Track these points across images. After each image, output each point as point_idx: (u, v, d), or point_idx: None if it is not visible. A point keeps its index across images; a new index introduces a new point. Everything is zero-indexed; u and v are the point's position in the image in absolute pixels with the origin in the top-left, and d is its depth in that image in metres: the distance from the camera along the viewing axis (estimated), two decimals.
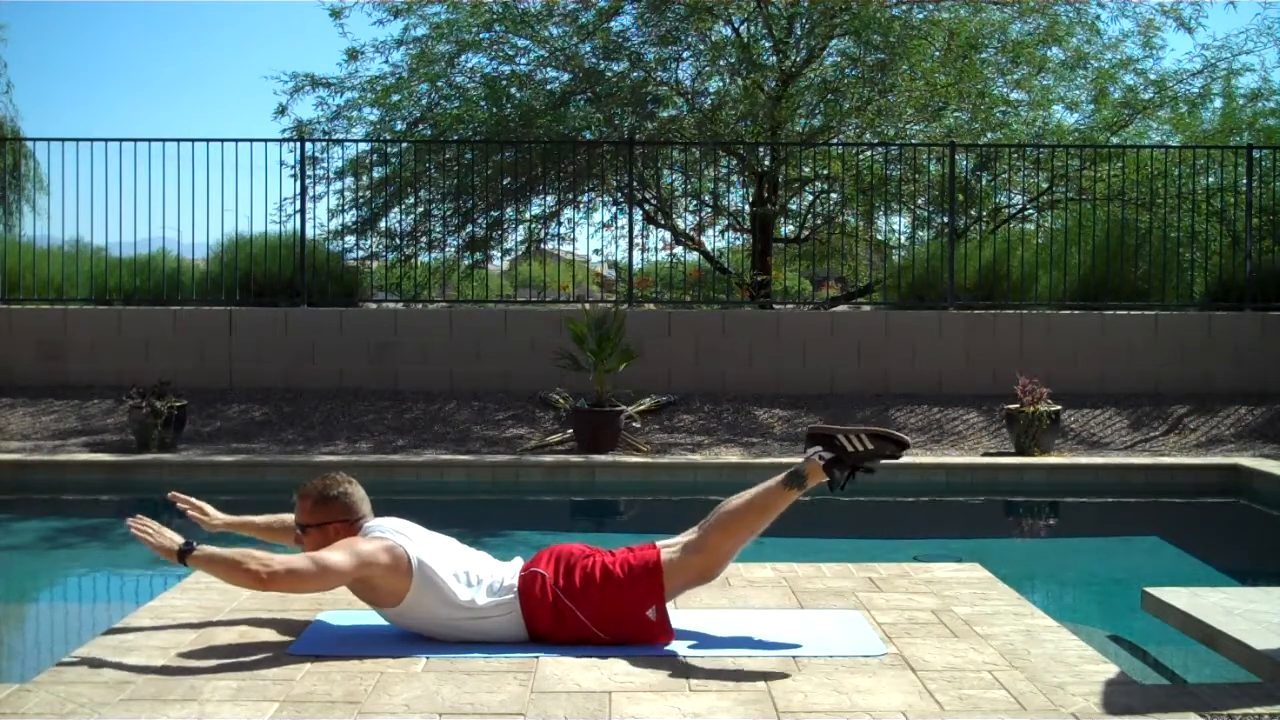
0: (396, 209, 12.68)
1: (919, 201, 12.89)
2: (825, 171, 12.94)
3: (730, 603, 4.12)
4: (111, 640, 3.60)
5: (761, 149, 12.62)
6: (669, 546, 3.64)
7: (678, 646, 3.54)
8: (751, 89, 12.32)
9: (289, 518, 3.86)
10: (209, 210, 18.35)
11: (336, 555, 3.46)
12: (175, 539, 3.51)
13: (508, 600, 3.56)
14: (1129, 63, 13.60)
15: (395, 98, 13.02)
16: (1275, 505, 7.36)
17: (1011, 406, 8.58)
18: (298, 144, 11.05)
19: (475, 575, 3.60)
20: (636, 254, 11.29)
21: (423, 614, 3.54)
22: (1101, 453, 8.72)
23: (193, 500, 3.73)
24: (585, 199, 13.42)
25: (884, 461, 3.59)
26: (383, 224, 12.83)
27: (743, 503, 3.62)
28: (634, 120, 12.52)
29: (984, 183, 12.74)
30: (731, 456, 8.23)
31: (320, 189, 12.33)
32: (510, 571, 3.65)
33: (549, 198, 12.83)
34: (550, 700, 3.08)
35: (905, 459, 8.58)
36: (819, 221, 13.88)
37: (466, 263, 13.17)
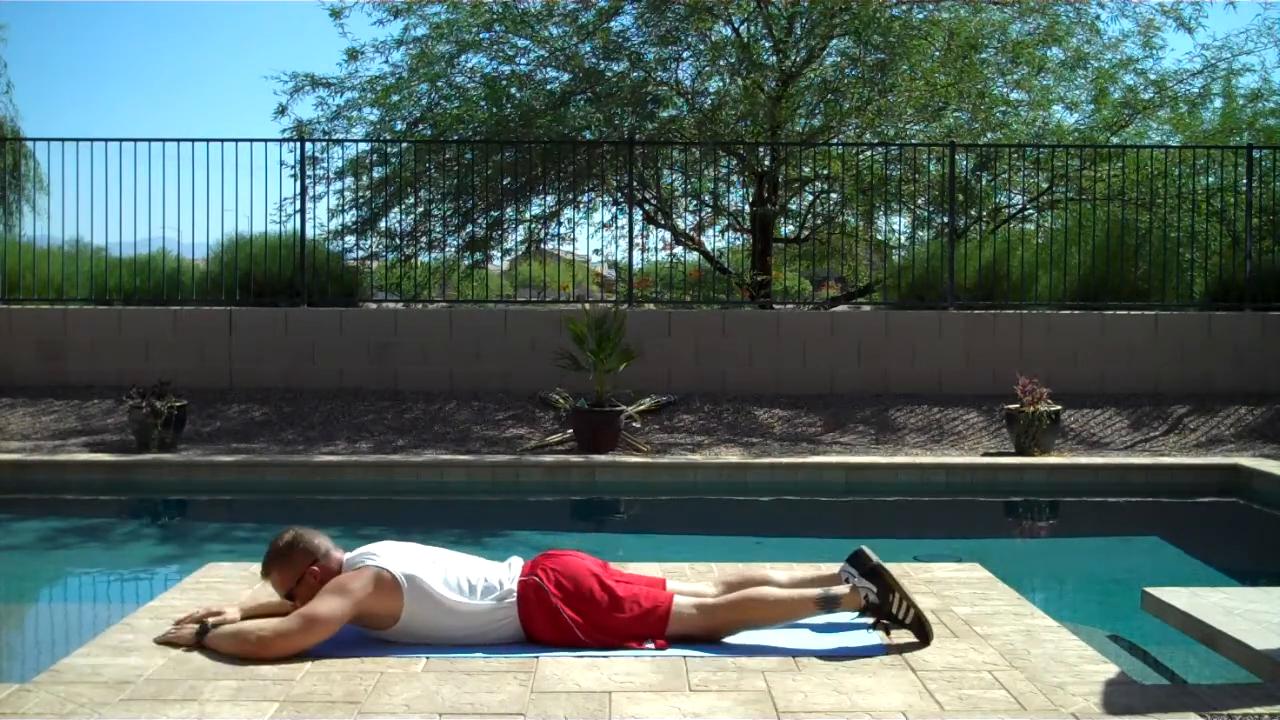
0: (396, 209, 12.68)
1: (919, 201, 12.88)
2: (825, 171, 12.94)
3: None
4: (111, 640, 3.60)
5: (761, 149, 12.62)
6: (682, 594, 3.68)
7: (677, 647, 3.54)
8: (751, 89, 12.32)
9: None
10: (209, 210, 18.38)
11: (325, 604, 3.46)
12: (193, 629, 3.56)
13: (507, 604, 3.58)
14: (1129, 63, 13.59)
15: (395, 98, 13.02)
16: (1275, 505, 7.36)
17: (1011, 406, 8.58)
18: (298, 144, 11.04)
19: (468, 581, 3.63)
20: (636, 254, 11.30)
21: (420, 627, 3.56)
22: (1101, 453, 8.72)
23: (209, 609, 3.73)
24: (585, 199, 13.41)
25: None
26: (383, 224, 12.83)
27: (771, 599, 3.67)
28: (634, 120, 12.52)
29: (984, 183, 12.73)
30: (731, 456, 8.23)
31: (320, 189, 12.34)
32: (509, 575, 3.67)
33: (549, 198, 12.83)
34: (550, 700, 3.08)
35: (905, 459, 8.60)
36: (819, 221, 13.87)
37: (466, 263, 13.17)
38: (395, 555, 3.64)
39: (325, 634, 3.46)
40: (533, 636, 3.59)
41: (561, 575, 3.63)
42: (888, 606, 3.63)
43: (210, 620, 3.57)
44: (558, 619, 3.56)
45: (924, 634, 3.63)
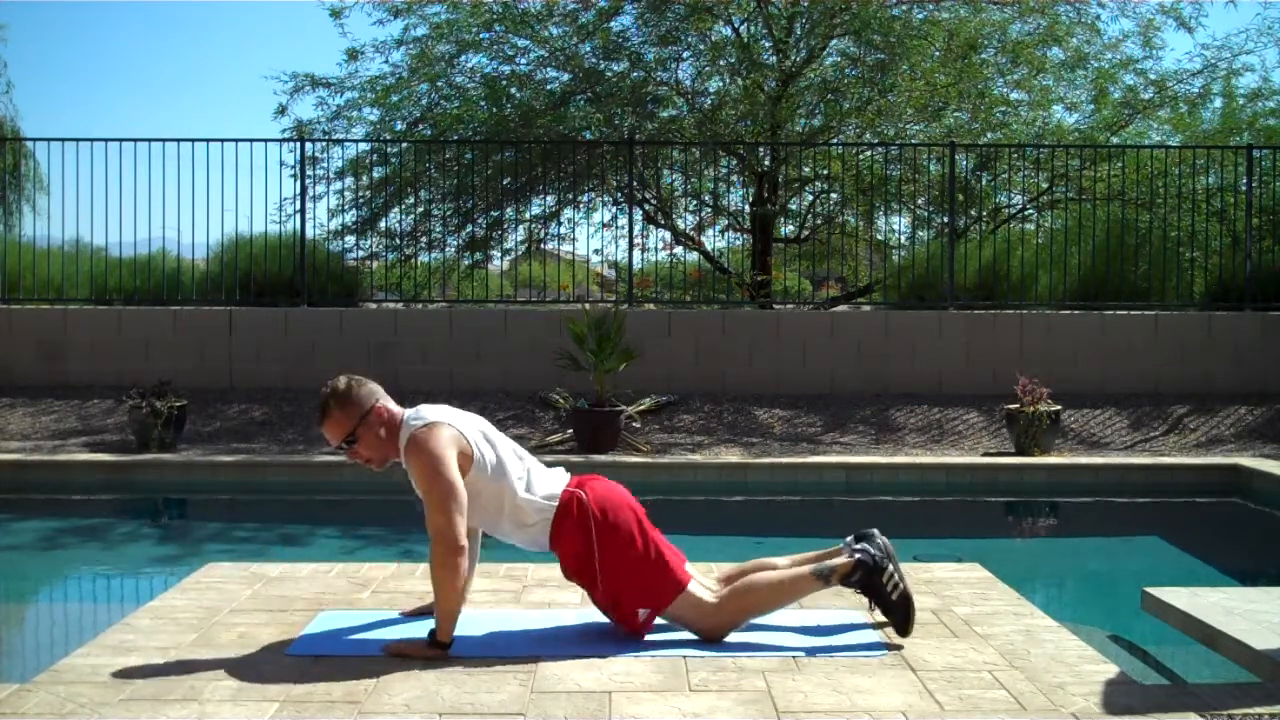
0: (396, 209, 12.68)
1: (919, 201, 12.88)
2: (825, 171, 12.93)
3: None
4: (111, 640, 3.60)
5: (761, 149, 12.62)
6: (696, 582, 3.64)
7: (678, 647, 3.54)
8: (751, 89, 12.31)
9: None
10: (209, 210, 18.40)
11: (437, 471, 3.38)
12: (421, 640, 3.45)
13: (548, 508, 3.58)
14: (1129, 63, 13.59)
15: (395, 98, 13.01)
16: (1275, 505, 7.36)
17: (1011, 406, 8.58)
18: (298, 144, 11.04)
19: (528, 472, 3.63)
20: (636, 254, 11.30)
21: (474, 494, 3.53)
22: (1101, 453, 8.72)
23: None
24: (585, 199, 13.41)
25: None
26: (383, 224, 12.82)
27: (768, 581, 3.64)
28: (634, 120, 12.52)
29: (984, 183, 12.73)
30: (731, 456, 8.23)
31: (320, 189, 12.33)
32: (557, 481, 3.66)
33: (549, 198, 12.83)
34: (550, 700, 3.08)
35: (905, 459, 8.60)
36: (819, 221, 13.87)
37: (466, 263, 13.16)
38: (465, 421, 3.59)
39: (461, 491, 3.39)
40: (553, 548, 3.59)
41: (606, 502, 3.60)
42: (880, 575, 3.57)
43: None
44: (586, 541, 3.54)
45: (905, 618, 3.56)
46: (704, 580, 3.73)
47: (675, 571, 3.59)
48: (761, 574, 3.68)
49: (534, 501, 3.59)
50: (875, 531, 3.71)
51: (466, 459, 3.52)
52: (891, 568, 3.60)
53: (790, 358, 10.09)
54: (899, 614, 3.58)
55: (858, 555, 3.62)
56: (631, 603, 3.57)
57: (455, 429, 3.52)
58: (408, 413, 3.61)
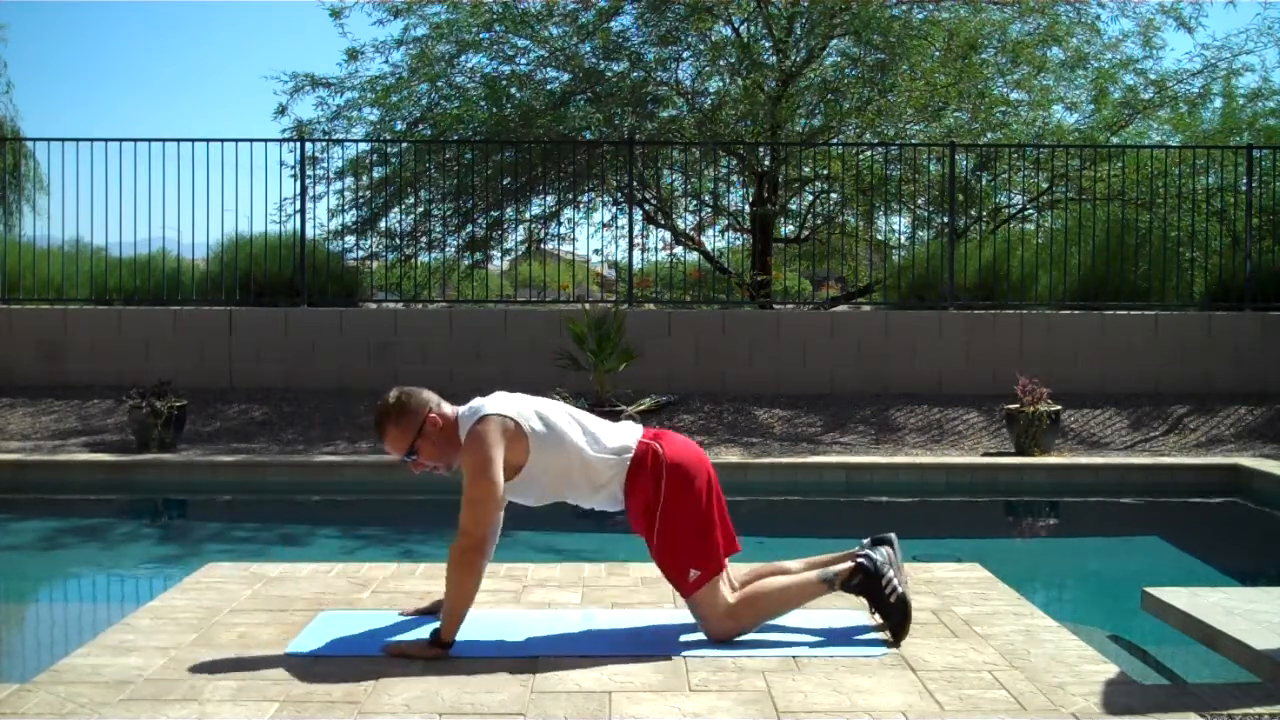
0: (396, 209, 12.67)
1: (919, 201, 12.88)
2: (825, 171, 12.93)
3: None
4: (111, 640, 3.59)
5: (761, 149, 12.62)
6: (725, 576, 3.66)
7: (678, 647, 3.54)
8: (751, 89, 12.31)
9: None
10: (209, 210, 18.40)
11: (480, 467, 3.41)
12: (422, 640, 3.46)
13: (623, 461, 3.60)
14: (1129, 63, 13.58)
15: (395, 98, 13.01)
16: (1275, 505, 7.36)
17: (1011, 406, 8.58)
18: (298, 144, 11.04)
19: (595, 432, 3.64)
20: (636, 254, 11.30)
21: (545, 478, 3.57)
22: (1101, 453, 8.72)
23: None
24: (585, 199, 13.41)
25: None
26: (383, 224, 12.82)
27: (777, 587, 3.67)
28: (634, 120, 12.52)
29: (984, 183, 12.73)
30: (732, 456, 8.23)
31: (320, 189, 12.32)
32: (629, 434, 3.68)
33: (549, 198, 12.83)
34: (550, 700, 3.08)
35: (905, 459, 8.60)
36: (819, 221, 13.87)
37: (466, 263, 13.16)
38: (516, 404, 3.61)
39: (499, 493, 3.44)
40: (626, 501, 3.62)
41: (680, 455, 3.63)
42: (879, 579, 3.58)
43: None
44: (657, 490, 3.56)
45: (900, 622, 3.56)
46: (729, 578, 3.74)
47: (719, 550, 3.61)
48: (772, 580, 3.70)
49: (605, 458, 3.60)
50: (892, 536, 3.74)
51: (521, 443, 3.53)
52: (891, 573, 3.61)
53: (790, 358, 10.09)
54: (895, 617, 3.59)
55: (859, 560, 3.64)
56: (683, 560, 3.57)
57: (504, 415, 3.54)
58: (462, 411, 3.63)
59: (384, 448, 3.66)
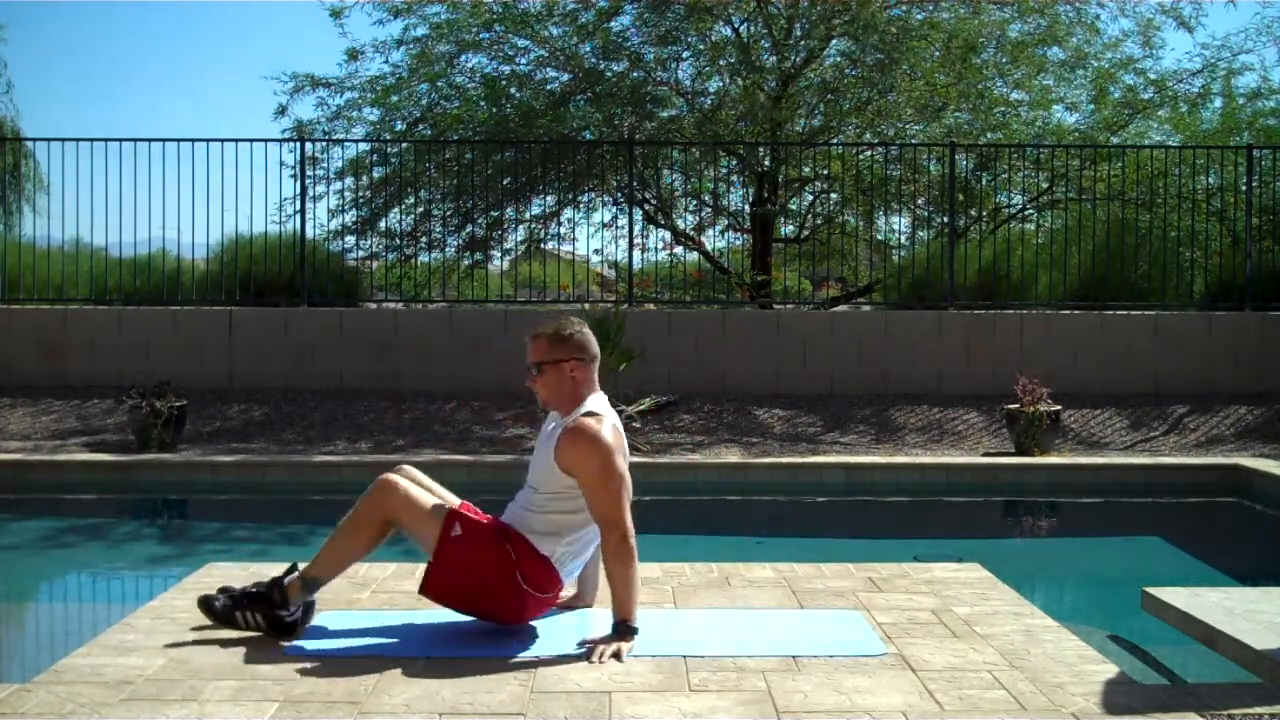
0: (396, 209, 12.67)
1: (919, 201, 12.87)
2: (825, 171, 12.93)
3: (730, 603, 4.12)
4: (111, 640, 3.59)
5: (761, 149, 12.61)
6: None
7: (678, 646, 3.54)
8: (751, 89, 12.31)
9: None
10: (209, 210, 18.34)
11: (611, 474, 3.51)
12: (622, 638, 3.50)
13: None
14: (1129, 62, 13.59)
15: (395, 98, 13.01)
16: (1275, 505, 7.36)
17: (1011, 406, 8.58)
18: (298, 144, 11.04)
19: None
20: (636, 254, 11.30)
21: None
22: (1101, 453, 8.72)
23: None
24: (585, 199, 13.41)
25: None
26: (383, 224, 12.82)
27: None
28: (634, 120, 12.52)
29: (984, 183, 12.72)
30: (731, 456, 8.23)
31: (320, 189, 12.32)
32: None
33: (549, 198, 12.83)
34: (550, 700, 3.08)
35: (905, 459, 8.58)
36: (819, 221, 13.87)
37: (466, 263, 13.16)
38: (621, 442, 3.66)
39: (629, 481, 3.56)
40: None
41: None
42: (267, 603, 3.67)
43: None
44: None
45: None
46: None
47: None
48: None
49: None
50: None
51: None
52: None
53: (790, 358, 10.09)
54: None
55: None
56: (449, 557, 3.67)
57: (619, 434, 3.64)
58: (588, 400, 3.69)
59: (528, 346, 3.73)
